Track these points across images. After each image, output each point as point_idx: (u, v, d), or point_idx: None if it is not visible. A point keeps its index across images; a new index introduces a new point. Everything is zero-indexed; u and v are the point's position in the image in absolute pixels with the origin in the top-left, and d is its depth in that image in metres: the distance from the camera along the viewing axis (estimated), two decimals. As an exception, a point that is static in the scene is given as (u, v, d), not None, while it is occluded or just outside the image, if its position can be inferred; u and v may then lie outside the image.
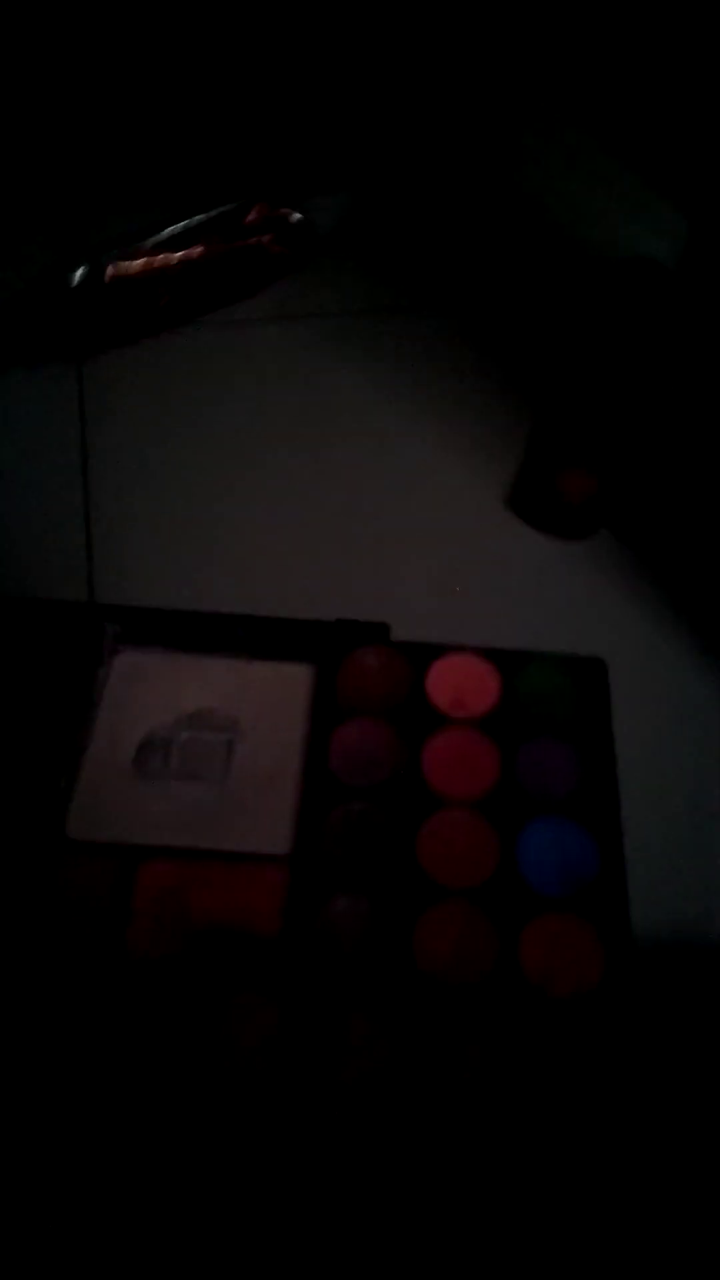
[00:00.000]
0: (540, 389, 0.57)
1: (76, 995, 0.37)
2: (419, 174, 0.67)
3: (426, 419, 0.56)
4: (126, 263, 0.58)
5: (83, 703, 0.44)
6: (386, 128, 0.68)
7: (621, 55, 0.67)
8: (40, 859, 0.40)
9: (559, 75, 0.70)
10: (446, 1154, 0.35)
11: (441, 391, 0.57)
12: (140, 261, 0.58)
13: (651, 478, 0.52)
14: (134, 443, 0.55)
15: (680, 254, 0.53)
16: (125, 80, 0.68)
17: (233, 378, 0.58)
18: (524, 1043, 0.37)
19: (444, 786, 0.42)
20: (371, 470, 0.54)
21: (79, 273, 0.57)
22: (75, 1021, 0.37)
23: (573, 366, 0.56)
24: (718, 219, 0.49)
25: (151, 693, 0.44)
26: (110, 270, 0.58)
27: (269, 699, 0.45)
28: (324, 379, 0.58)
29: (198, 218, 0.60)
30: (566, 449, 0.54)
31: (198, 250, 0.59)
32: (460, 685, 0.45)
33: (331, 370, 0.58)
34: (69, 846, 0.41)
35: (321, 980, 0.38)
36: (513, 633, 0.47)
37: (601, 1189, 0.34)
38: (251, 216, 0.60)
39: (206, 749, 0.43)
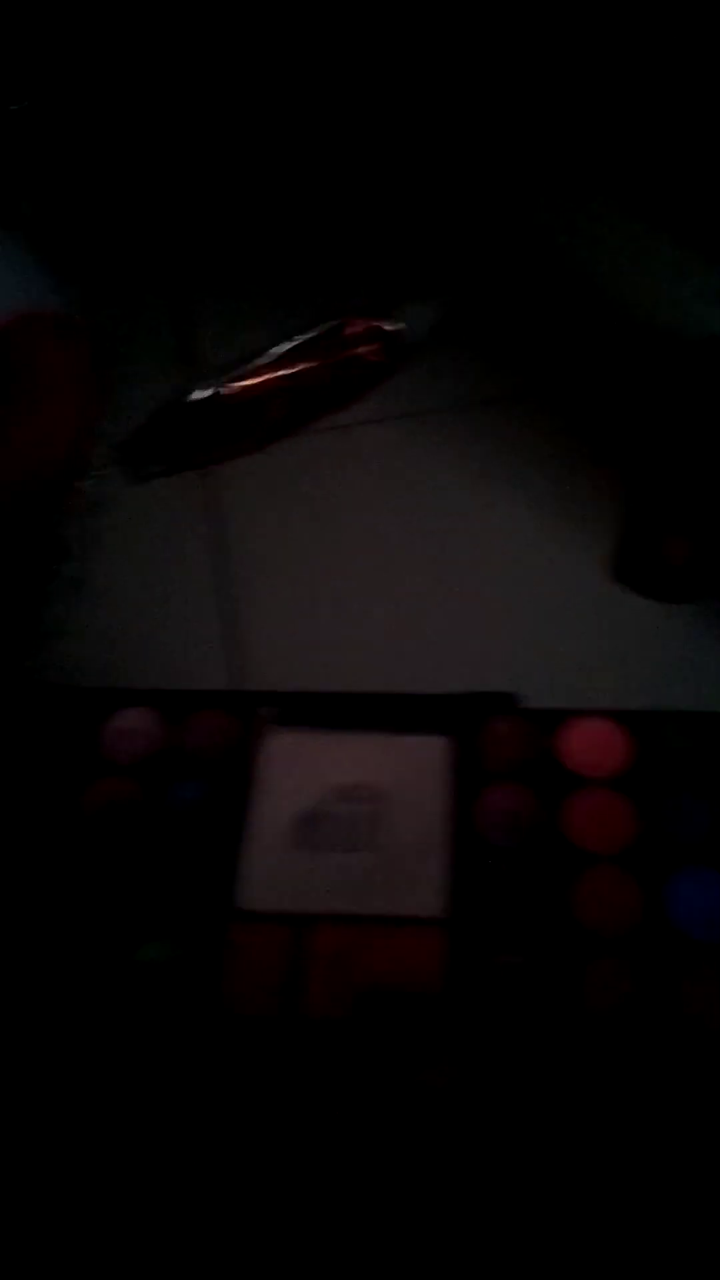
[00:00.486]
0: (634, 461, 0.61)
1: (255, 1057, 0.40)
2: (503, 276, 0.73)
3: (529, 498, 0.60)
4: (243, 381, 0.64)
5: (243, 782, 0.47)
6: (469, 238, 0.74)
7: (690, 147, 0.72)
8: (214, 929, 0.43)
9: (628, 168, 0.76)
10: (603, 1198, 0.36)
11: (540, 471, 0.62)
12: (256, 380, 0.64)
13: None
14: (262, 541, 0.60)
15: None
16: (230, 214, 0.76)
17: (346, 475, 0.63)
18: (688, 1082, 0.38)
19: (587, 843, 0.44)
20: (482, 549, 0.58)
21: (202, 392, 0.63)
22: (252, 1081, 0.39)
23: (665, 437, 0.60)
24: None
25: (305, 769, 0.48)
26: (229, 388, 0.64)
27: (412, 770, 0.48)
28: (429, 470, 0.62)
29: (305, 336, 0.66)
30: (666, 515, 0.57)
31: (305, 365, 0.65)
32: (592, 747, 0.47)
33: (435, 461, 0.63)
34: (240, 916, 0.44)
35: (489, 1036, 0.40)
36: (634, 696, 0.50)
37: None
38: (352, 330, 0.66)
39: (359, 820, 0.46)
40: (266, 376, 0.64)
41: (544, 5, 0.78)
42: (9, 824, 0.46)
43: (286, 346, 0.65)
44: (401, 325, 0.67)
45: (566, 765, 0.47)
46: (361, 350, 0.66)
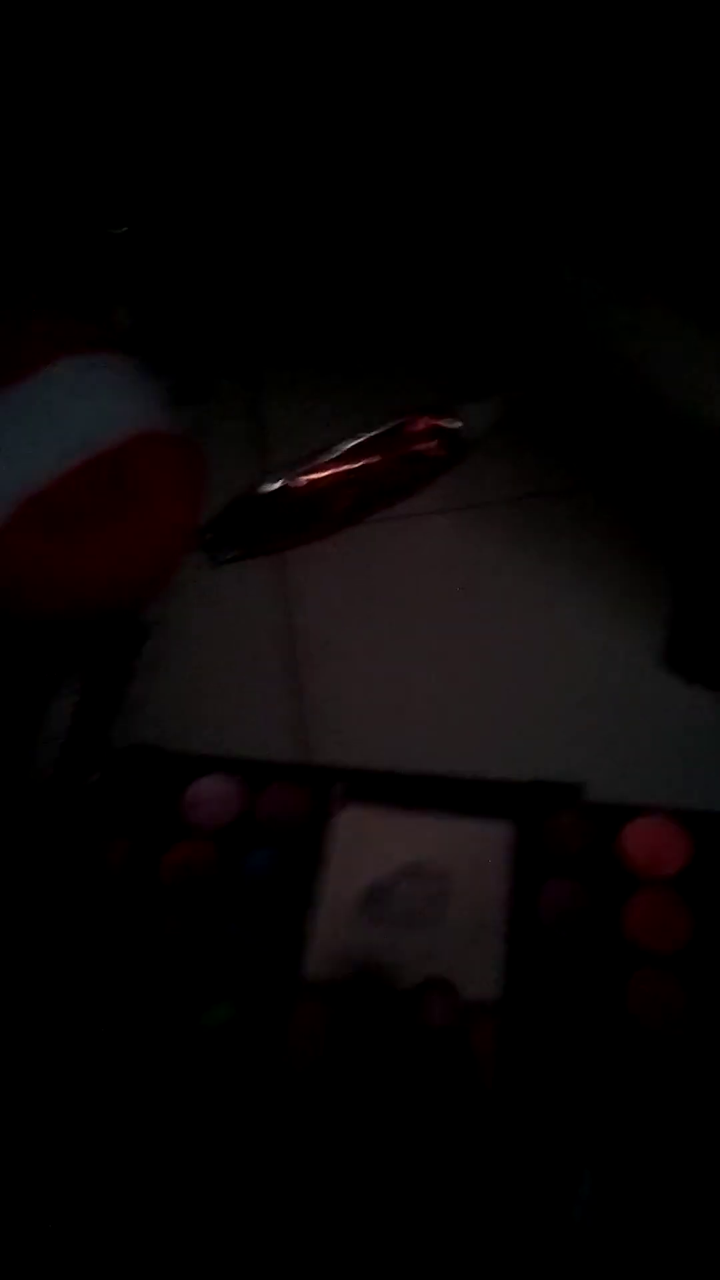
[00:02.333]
0: (685, 551, 0.64)
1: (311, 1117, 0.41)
2: (558, 373, 0.77)
3: (583, 587, 0.63)
4: (311, 474, 0.68)
5: (314, 857, 0.50)
6: (526, 338, 0.79)
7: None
8: (284, 999, 0.45)
9: (680, 267, 0.81)
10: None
11: (595, 562, 0.65)
12: (324, 474, 0.68)
13: None
14: (328, 623, 0.63)
15: None
16: (300, 315, 0.81)
17: (408, 563, 0.66)
18: None
19: (641, 942, 0.46)
20: (538, 637, 0.61)
21: (272, 484, 0.68)
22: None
23: (713, 527, 0.63)
24: None
25: (372, 845, 0.50)
26: (297, 481, 0.68)
27: (475, 853, 0.50)
28: (487, 559, 0.66)
29: (370, 433, 0.70)
30: (714, 603, 0.60)
31: (369, 459, 0.69)
32: (653, 845, 0.49)
33: (493, 551, 0.66)
34: (308, 988, 0.46)
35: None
36: (693, 791, 0.52)
37: None
38: (413, 427, 0.71)
39: (422, 897, 0.49)
40: (333, 470, 0.69)
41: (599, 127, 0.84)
42: (90, 882, 0.48)
43: (352, 443, 0.70)
44: (461, 423, 0.71)
45: (626, 864, 0.49)
46: (423, 446, 0.70)
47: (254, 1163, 0.41)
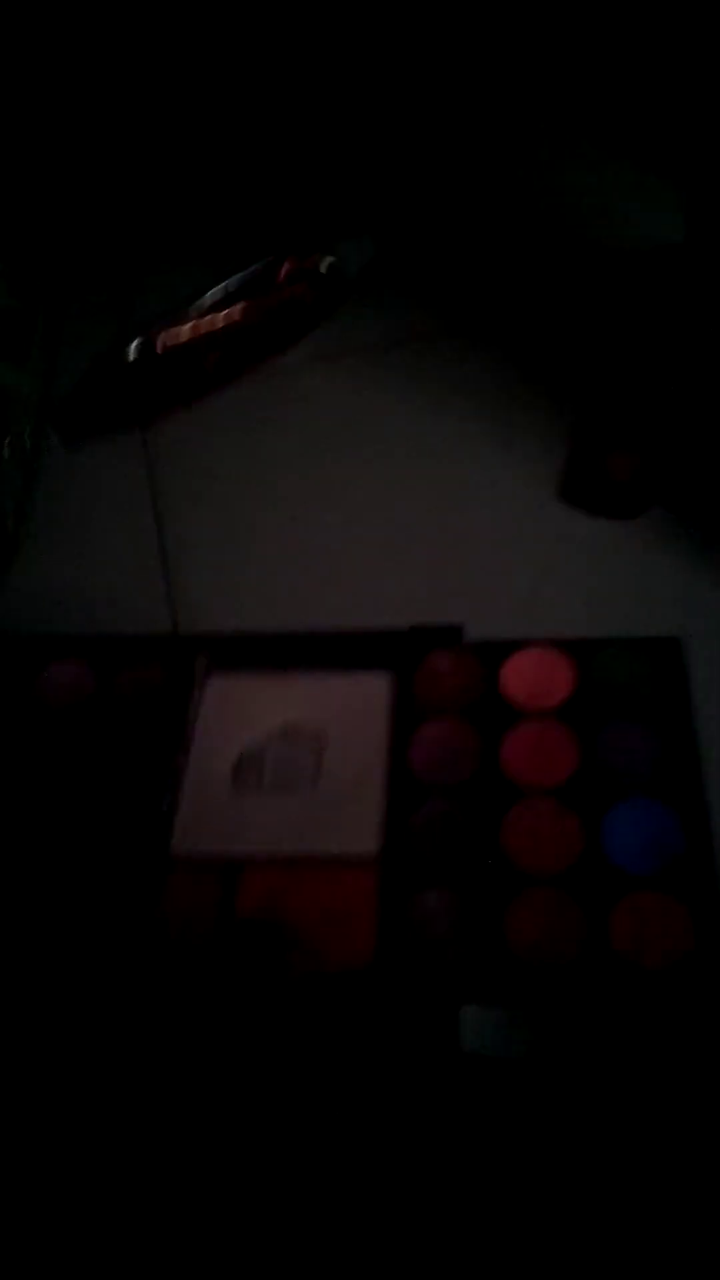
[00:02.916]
0: (579, 381, 0.59)
1: (185, 1005, 0.39)
2: (432, 205, 0.71)
3: (473, 428, 0.59)
4: (175, 330, 0.63)
5: (180, 728, 0.47)
6: (398, 165, 0.72)
7: (614, 53, 0.70)
8: (147, 877, 0.42)
9: (556, 82, 0.73)
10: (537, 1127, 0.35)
11: (484, 401, 0.60)
12: (187, 327, 0.63)
13: (701, 447, 0.53)
14: (201, 491, 0.59)
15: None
16: (145, 149, 0.74)
17: (283, 419, 0.61)
18: (618, 1017, 0.37)
19: (525, 777, 0.43)
20: (426, 482, 0.57)
21: (133, 346, 0.62)
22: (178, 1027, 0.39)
23: (609, 353, 0.58)
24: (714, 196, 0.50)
25: (241, 712, 0.47)
26: (161, 340, 0.62)
27: (351, 709, 0.47)
28: (370, 409, 0.61)
29: (234, 279, 0.64)
30: (610, 430, 0.55)
31: (238, 310, 0.63)
32: (535, 678, 0.46)
33: (376, 400, 0.61)
34: (174, 863, 0.43)
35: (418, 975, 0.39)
36: (583, 621, 0.49)
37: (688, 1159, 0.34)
38: (284, 270, 0.65)
39: (296, 761, 0.46)
40: (199, 325, 0.63)
41: None
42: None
43: (217, 291, 0.64)
44: (333, 264, 0.65)
45: (508, 698, 0.46)
46: (292, 292, 0.64)
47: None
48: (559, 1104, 0.35)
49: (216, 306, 0.63)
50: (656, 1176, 0.34)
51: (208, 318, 0.63)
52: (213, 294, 0.64)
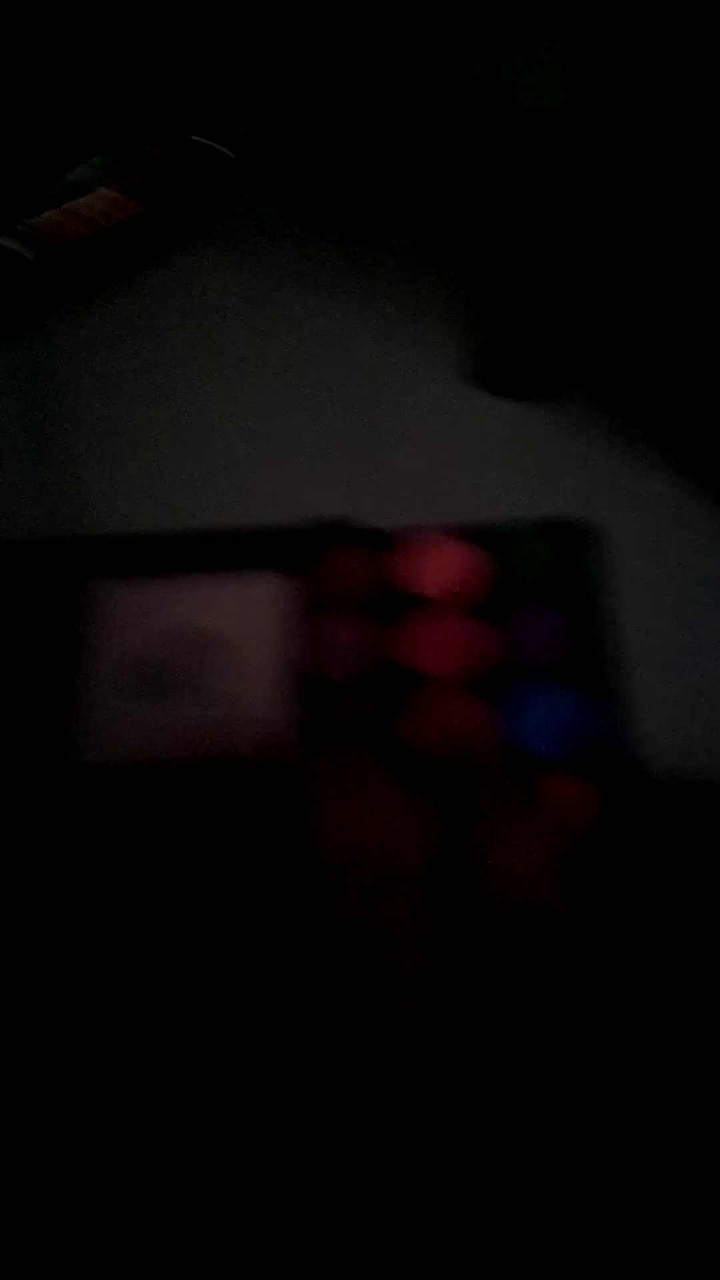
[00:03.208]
0: (486, 258, 0.55)
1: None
2: (320, 78, 0.66)
3: (377, 311, 0.55)
4: (58, 225, 0.58)
5: (69, 636, 0.44)
6: (272, 36, 0.67)
7: None
8: (45, 789, 0.40)
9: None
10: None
11: (387, 283, 0.56)
12: (60, 213, 0.58)
13: (612, 325, 0.50)
14: (90, 388, 0.55)
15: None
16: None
17: (180, 313, 0.57)
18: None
19: (432, 669, 0.41)
20: (329, 371, 0.53)
21: (9, 242, 0.57)
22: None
23: (509, 227, 0.55)
24: (594, 54, 0.47)
25: (133, 617, 0.44)
26: (45, 234, 0.57)
27: (247, 610, 0.44)
28: (266, 295, 0.57)
29: (115, 160, 0.59)
30: (520, 310, 0.52)
31: (125, 198, 0.59)
32: (438, 567, 0.44)
33: (272, 285, 0.57)
34: (73, 773, 0.41)
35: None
36: (493, 507, 0.46)
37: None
38: (154, 149, 0.60)
39: (193, 665, 0.43)
40: (74, 209, 0.58)
41: None
42: None
43: (84, 171, 0.59)
44: (220, 144, 0.60)
45: (409, 590, 0.43)
46: (171, 173, 0.59)
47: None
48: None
49: (99, 196, 0.59)
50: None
51: (84, 200, 0.58)
52: (74, 174, 0.58)
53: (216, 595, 0.45)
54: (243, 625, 0.44)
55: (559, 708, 0.40)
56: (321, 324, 0.55)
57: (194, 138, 0.59)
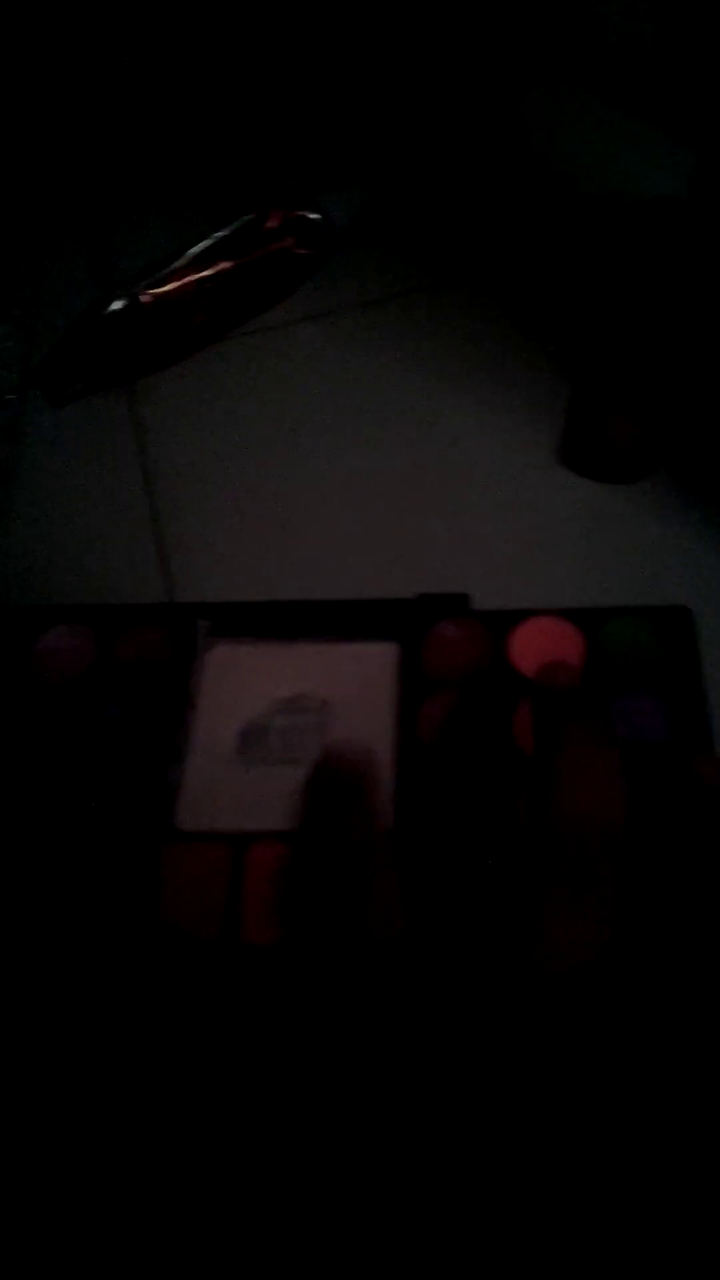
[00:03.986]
0: (579, 339, 0.58)
1: (190, 983, 0.39)
2: (424, 155, 0.68)
3: (469, 389, 0.57)
4: (159, 288, 0.60)
5: (182, 699, 0.46)
6: (386, 114, 0.70)
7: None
8: (152, 853, 0.42)
9: (550, 32, 0.71)
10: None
11: (479, 360, 0.58)
12: (172, 285, 0.60)
13: (700, 411, 0.52)
14: (191, 453, 0.57)
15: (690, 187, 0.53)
16: (124, 100, 0.71)
17: (276, 379, 0.59)
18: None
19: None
20: (423, 446, 0.56)
21: (116, 304, 0.60)
22: (187, 1010, 0.38)
23: (607, 310, 0.57)
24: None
25: (246, 682, 0.46)
26: (145, 297, 0.60)
27: (357, 679, 0.46)
28: (362, 367, 0.59)
29: (219, 233, 0.62)
30: (608, 394, 0.54)
31: (225, 265, 0.61)
32: (543, 649, 0.46)
33: (368, 357, 0.60)
34: (180, 838, 0.42)
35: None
36: (589, 589, 0.48)
37: None
38: (271, 223, 0.62)
39: (302, 731, 0.45)
40: (185, 280, 0.60)
41: None
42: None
43: (203, 245, 0.61)
44: (321, 214, 0.63)
45: (517, 669, 0.45)
46: (283, 244, 0.62)
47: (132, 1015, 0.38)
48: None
49: (203, 260, 0.61)
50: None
51: (193, 273, 0.60)
52: (199, 248, 0.61)
53: (325, 662, 0.47)
54: (350, 693, 0.46)
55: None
56: (415, 395, 0.58)
57: (299, 210, 0.61)
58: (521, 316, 0.60)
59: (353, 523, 0.53)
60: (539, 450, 0.55)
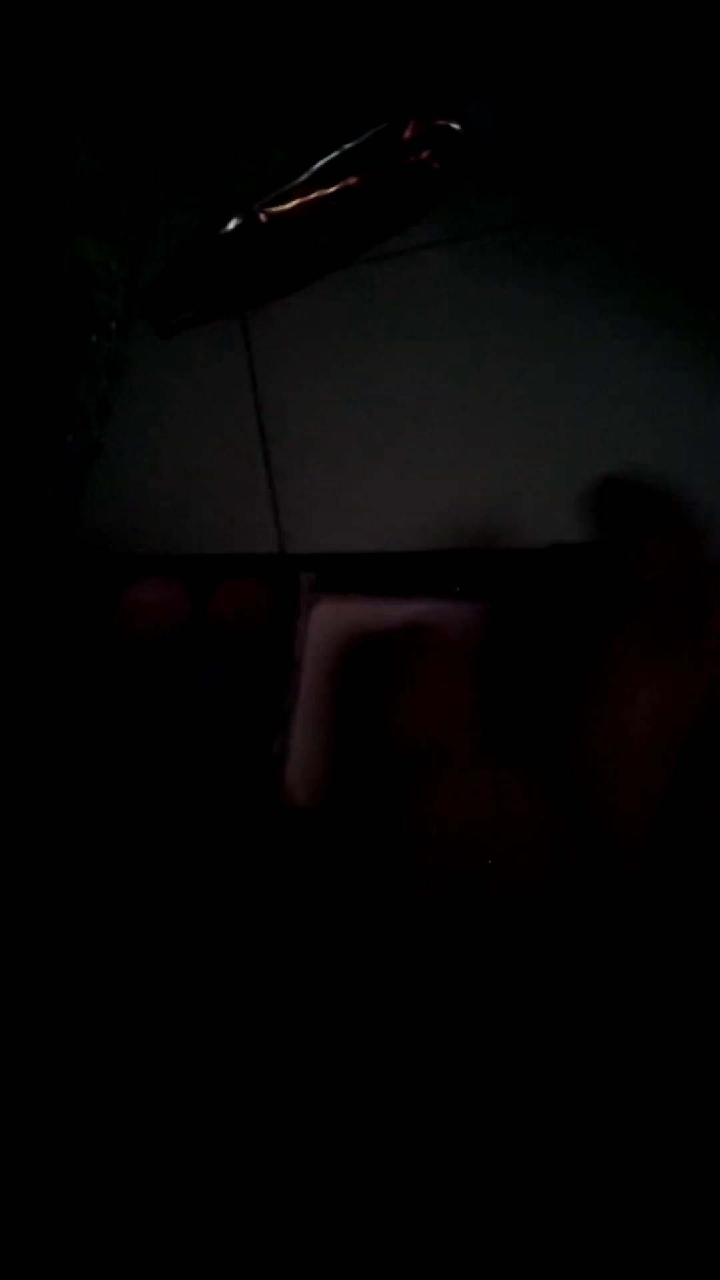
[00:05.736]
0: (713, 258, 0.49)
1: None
2: (580, 50, 0.60)
3: (615, 323, 0.50)
4: (280, 206, 0.55)
5: (286, 662, 0.41)
6: (535, 9, 0.62)
7: None
8: (259, 828, 0.37)
9: None
10: None
11: (628, 292, 0.51)
12: (294, 202, 0.55)
13: None
14: (308, 389, 0.52)
15: None
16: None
17: (405, 310, 0.53)
18: None
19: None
20: (566, 383, 0.49)
21: (232, 224, 0.55)
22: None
23: None
24: None
25: (353, 640, 0.41)
26: (265, 214, 0.55)
27: (457, 632, 0.40)
28: (501, 298, 0.53)
29: (348, 145, 0.55)
30: None
31: (353, 180, 0.55)
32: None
33: (508, 288, 0.53)
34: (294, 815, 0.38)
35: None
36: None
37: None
38: (407, 134, 0.56)
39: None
40: (305, 198, 0.55)
41: None
42: (11, 717, 0.40)
43: (329, 159, 0.55)
44: (460, 125, 0.56)
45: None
46: (415, 158, 0.55)
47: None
48: None
49: (328, 175, 0.55)
50: None
51: (318, 190, 0.55)
52: (323, 161, 0.55)
53: (449, 621, 0.41)
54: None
55: None
56: (555, 330, 0.51)
57: (439, 119, 0.55)
58: (675, 243, 0.52)
59: (479, 467, 0.47)
60: (695, 389, 0.47)
